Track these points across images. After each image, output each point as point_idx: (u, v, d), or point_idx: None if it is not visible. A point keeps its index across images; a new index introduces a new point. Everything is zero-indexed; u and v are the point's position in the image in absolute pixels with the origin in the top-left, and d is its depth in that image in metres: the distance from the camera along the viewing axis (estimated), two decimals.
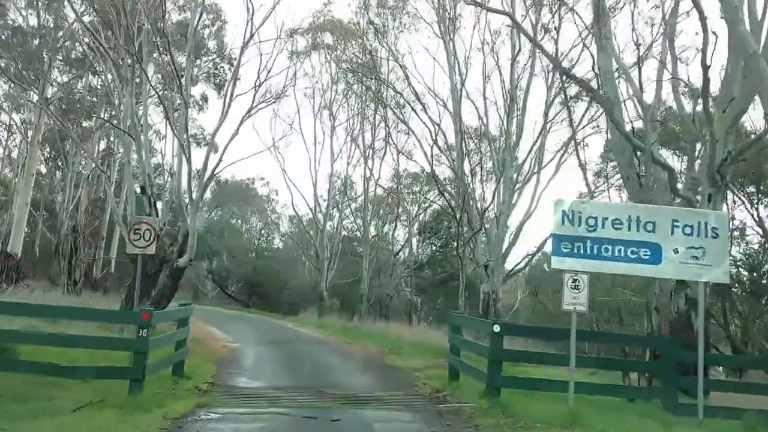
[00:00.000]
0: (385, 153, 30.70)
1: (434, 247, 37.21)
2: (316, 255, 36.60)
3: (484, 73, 22.77)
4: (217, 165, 18.00)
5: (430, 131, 21.86)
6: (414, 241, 35.06)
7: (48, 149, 32.24)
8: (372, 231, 34.18)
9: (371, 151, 31.08)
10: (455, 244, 37.95)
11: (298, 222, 62.61)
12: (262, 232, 55.82)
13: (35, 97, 25.48)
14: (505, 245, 24.12)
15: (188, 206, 17.28)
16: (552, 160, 24.22)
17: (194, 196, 16.92)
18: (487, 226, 24.01)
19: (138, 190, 18.17)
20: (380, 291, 36.95)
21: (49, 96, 26.35)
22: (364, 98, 30.44)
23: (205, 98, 33.93)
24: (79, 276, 26.96)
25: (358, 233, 54.71)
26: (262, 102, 20.26)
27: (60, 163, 31.65)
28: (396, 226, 33.06)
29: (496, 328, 8.19)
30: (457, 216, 23.01)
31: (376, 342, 20.39)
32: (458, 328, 10.46)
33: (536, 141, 22.88)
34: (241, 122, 18.82)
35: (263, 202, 60.00)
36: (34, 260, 36.47)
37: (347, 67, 27.12)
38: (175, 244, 17.86)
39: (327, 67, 34.54)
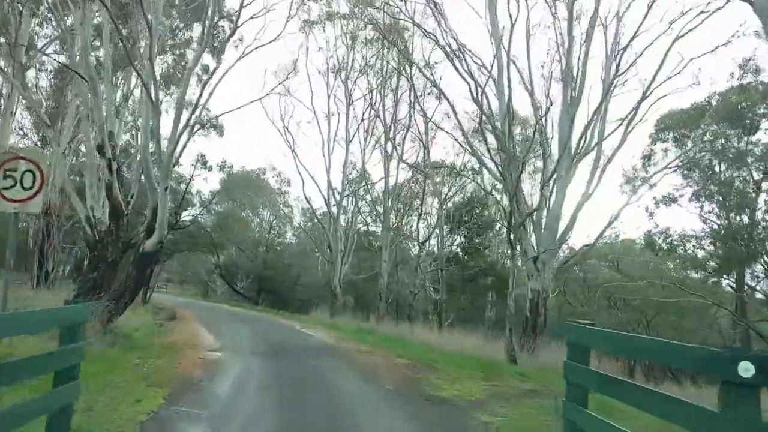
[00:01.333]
0: (409, 125, 25.71)
1: (462, 239, 32.20)
2: (329, 248, 31.82)
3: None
4: (196, 107, 13.31)
5: (470, 86, 16.91)
6: (437, 232, 30.09)
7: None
8: (392, 219, 29.30)
9: (393, 125, 26.19)
10: (488, 234, 33.32)
11: (311, 214, 58.34)
12: (274, 224, 51.08)
13: None
14: (559, 232, 19.19)
15: (157, 170, 12.52)
16: (618, 128, 19.29)
17: (163, 154, 12.13)
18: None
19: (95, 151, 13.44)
20: (399, 288, 32.22)
21: None
22: (385, 62, 25.65)
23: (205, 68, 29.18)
24: (52, 266, 22.36)
25: (374, 227, 50.16)
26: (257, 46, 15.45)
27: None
28: (421, 210, 28.06)
29: (746, 371, 3.33)
30: (500, 197, 18.09)
31: (401, 351, 15.58)
32: (585, 352, 5.47)
33: (602, 102, 17.96)
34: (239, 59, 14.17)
35: (275, 194, 55.46)
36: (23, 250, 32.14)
37: (368, 21, 22.29)
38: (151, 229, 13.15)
39: (343, 39, 29.97)
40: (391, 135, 26.19)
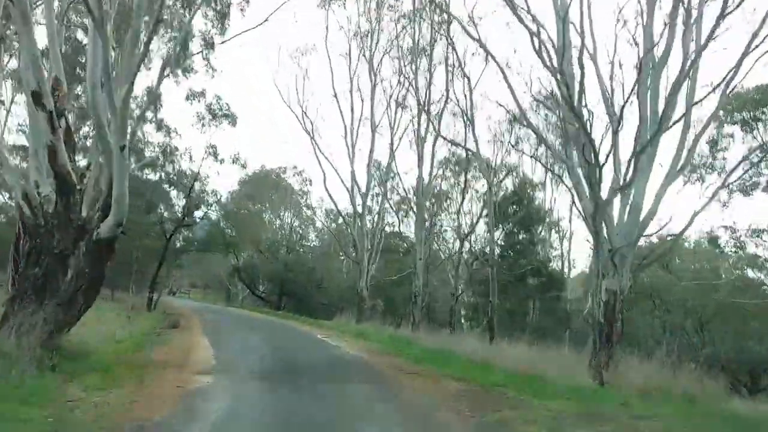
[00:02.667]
0: (447, 97, 21.60)
1: (508, 235, 27.86)
2: (354, 247, 27.94)
3: None
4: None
5: (532, 34, 12.91)
6: (481, 224, 25.93)
7: None
8: (427, 209, 25.28)
9: (427, 94, 22.10)
10: (538, 229, 29.03)
11: (335, 215, 54.66)
12: (295, 225, 47.42)
13: None
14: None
15: (110, 121, 8.69)
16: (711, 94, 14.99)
17: (115, 95, 8.25)
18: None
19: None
20: (432, 291, 28.28)
21: None
22: (417, 28, 21.78)
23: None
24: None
25: (401, 227, 46.17)
26: None
27: None
28: (464, 195, 23.67)
29: None
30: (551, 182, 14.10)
31: (454, 370, 11.63)
32: None
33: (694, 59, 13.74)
34: None
35: (297, 195, 51.89)
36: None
37: None
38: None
39: (367, 16, 26.27)
40: (425, 107, 22.08)
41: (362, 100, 26.40)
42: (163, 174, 34.30)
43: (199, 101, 30.45)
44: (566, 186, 16.50)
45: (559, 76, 14.32)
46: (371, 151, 26.32)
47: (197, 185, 32.80)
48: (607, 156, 14.87)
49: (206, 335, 16.78)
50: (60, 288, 9.16)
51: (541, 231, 27.35)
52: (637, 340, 37.20)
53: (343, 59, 27.12)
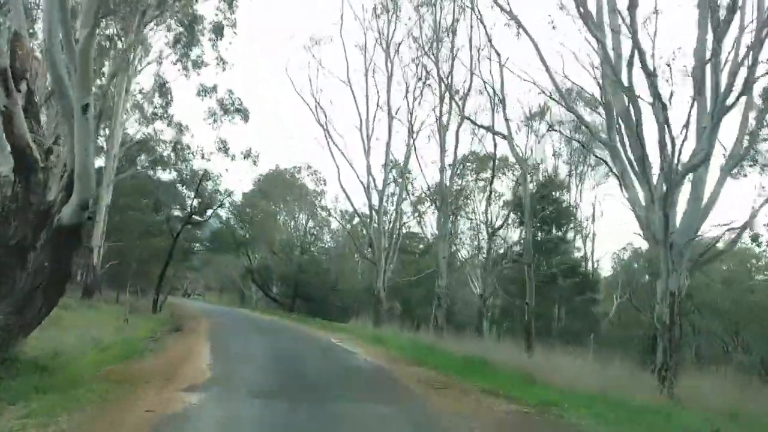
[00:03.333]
0: (471, 83, 19.63)
1: (538, 232, 25.60)
2: (371, 246, 26.03)
3: None
4: None
5: None
6: (513, 217, 23.66)
7: None
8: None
9: (449, 83, 20.10)
10: (568, 226, 26.84)
11: (350, 216, 52.81)
12: (309, 225, 45.63)
13: None
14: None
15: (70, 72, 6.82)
16: None
17: (79, 44, 6.38)
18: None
19: None
20: (452, 292, 26.26)
21: None
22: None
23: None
24: None
25: (417, 228, 44.19)
26: None
27: None
28: (493, 180, 21.18)
29: None
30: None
31: (492, 384, 9.68)
32: None
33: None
34: None
35: (311, 196, 50.11)
36: None
37: None
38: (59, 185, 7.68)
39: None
40: (448, 87, 20.00)
41: (378, 92, 24.60)
42: (174, 172, 32.80)
43: (210, 96, 28.88)
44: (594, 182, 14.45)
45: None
46: (388, 142, 24.42)
47: (209, 185, 31.33)
48: (662, 136, 12.82)
49: (209, 340, 14.96)
50: (15, 286, 7.33)
51: (568, 230, 25.09)
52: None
53: (358, 51, 25.40)
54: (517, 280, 19.26)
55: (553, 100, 14.49)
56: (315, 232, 48.18)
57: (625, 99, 12.85)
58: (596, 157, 13.95)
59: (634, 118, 12.39)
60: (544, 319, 27.59)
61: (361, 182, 24.49)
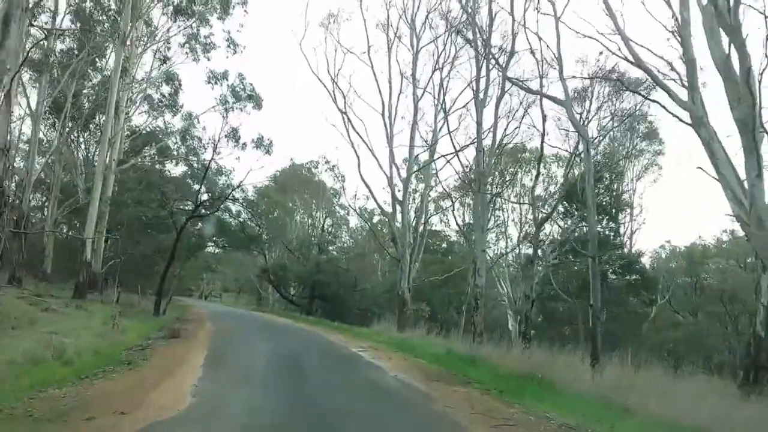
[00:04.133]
0: (513, 45, 16.67)
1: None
2: (393, 241, 23.36)
3: None
4: None
5: None
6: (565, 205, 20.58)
7: None
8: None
9: (489, 36, 17.13)
10: (622, 216, 23.72)
11: (371, 213, 50.22)
12: (327, 223, 43.08)
13: None
14: None
15: None
16: None
17: None
18: None
19: None
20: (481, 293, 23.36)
21: None
22: None
23: None
24: None
25: (441, 225, 41.38)
26: None
27: None
28: (538, 171, 17.90)
29: None
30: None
31: (585, 419, 6.92)
32: None
33: None
34: None
35: (330, 192, 47.63)
36: None
37: None
38: None
39: None
40: (486, 46, 17.02)
41: (401, 73, 21.93)
42: (185, 165, 30.56)
43: (221, 84, 26.47)
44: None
45: None
46: (414, 122, 21.67)
47: (221, 179, 28.98)
48: None
49: (207, 349, 12.42)
50: None
51: (620, 222, 21.87)
52: (706, 348, 31.49)
53: (380, 31, 22.84)
54: (575, 276, 16.37)
55: (621, 57, 11.65)
56: (333, 231, 45.70)
57: (725, 47, 10.04)
58: (683, 122, 11.00)
59: (739, 66, 9.58)
60: (583, 322, 24.66)
61: (384, 171, 21.85)
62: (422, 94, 22.12)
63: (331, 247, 41.85)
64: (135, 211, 22.18)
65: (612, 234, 21.43)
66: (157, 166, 30.31)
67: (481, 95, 16.51)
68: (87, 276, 17.48)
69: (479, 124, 16.13)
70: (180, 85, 27.89)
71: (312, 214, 49.11)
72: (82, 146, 26.88)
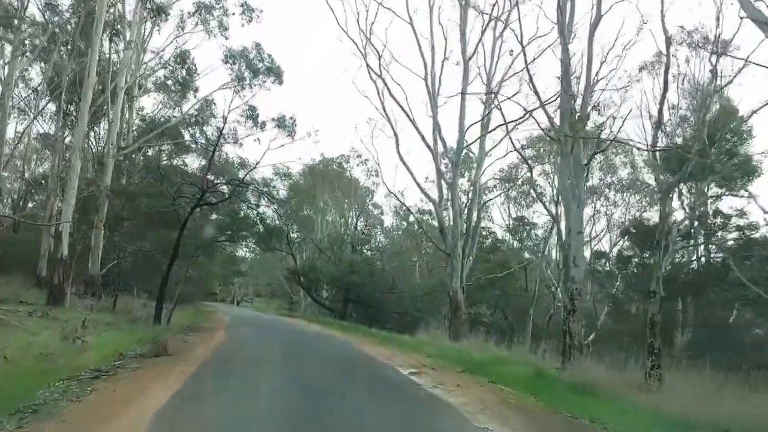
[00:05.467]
0: None
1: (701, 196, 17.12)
2: (442, 232, 18.88)
3: None
4: None
5: None
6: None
7: None
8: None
9: None
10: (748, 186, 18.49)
11: (406, 211, 45.87)
12: (359, 220, 38.86)
13: None
14: None
15: None
16: None
17: None
18: None
19: None
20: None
21: None
22: None
23: None
24: None
25: (487, 221, 36.60)
26: None
27: None
28: (666, 87, 12.92)
29: None
30: None
31: None
32: None
33: None
34: None
35: (362, 190, 43.52)
36: None
37: None
38: None
39: None
40: None
41: (444, 38, 17.51)
42: (199, 155, 26.77)
43: (235, 63, 22.49)
44: None
45: None
46: (463, 93, 17.19)
47: (240, 173, 25.07)
48: None
49: (193, 378, 8.20)
50: None
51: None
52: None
53: None
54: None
55: None
56: (367, 231, 41.44)
57: None
58: None
59: None
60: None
61: (428, 146, 17.42)
62: (473, 53, 17.68)
63: (365, 247, 37.53)
64: (140, 204, 18.35)
65: (739, 213, 16.27)
66: (174, 161, 26.66)
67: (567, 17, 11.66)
68: (62, 276, 13.64)
69: (564, 45, 11.39)
70: (194, 64, 24.16)
71: (344, 213, 45.11)
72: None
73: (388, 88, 18.29)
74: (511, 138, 17.20)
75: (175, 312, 25.09)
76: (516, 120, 15.26)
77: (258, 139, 20.72)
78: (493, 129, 17.45)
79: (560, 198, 12.40)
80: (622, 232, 23.24)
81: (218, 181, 17.59)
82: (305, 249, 41.07)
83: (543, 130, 10.90)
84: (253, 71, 22.05)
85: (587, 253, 22.79)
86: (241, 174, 23.01)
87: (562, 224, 11.74)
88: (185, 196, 16.76)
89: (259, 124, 20.86)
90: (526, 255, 34.66)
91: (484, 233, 39.31)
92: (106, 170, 18.88)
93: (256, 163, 17.75)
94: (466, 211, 18.11)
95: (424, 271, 45.72)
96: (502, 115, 17.19)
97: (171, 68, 24.17)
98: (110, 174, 18.97)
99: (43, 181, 23.97)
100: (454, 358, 12.85)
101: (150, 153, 24.59)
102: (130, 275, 21.63)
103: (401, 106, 17.96)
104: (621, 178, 24.37)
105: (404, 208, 41.79)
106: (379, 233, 45.65)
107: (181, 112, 25.65)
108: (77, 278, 20.15)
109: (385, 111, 18.45)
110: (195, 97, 25.83)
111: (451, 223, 18.31)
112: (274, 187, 18.59)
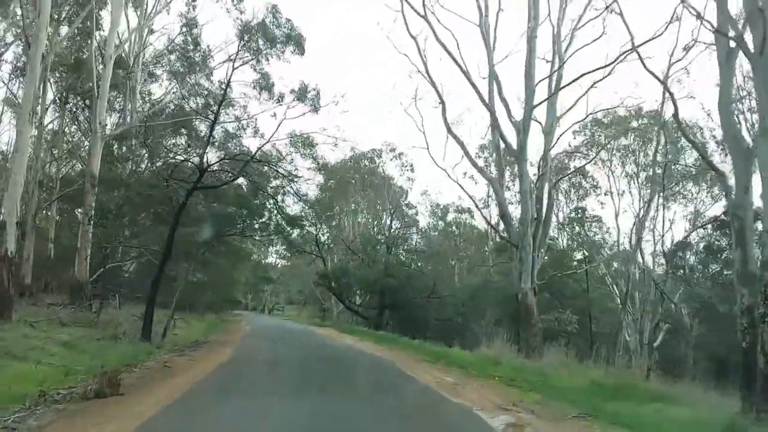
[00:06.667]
0: None
1: None
2: (504, 219, 14.66)
3: None
4: None
5: None
6: None
7: None
8: None
9: None
10: None
11: (443, 210, 41.66)
12: (394, 219, 34.79)
13: None
14: None
15: None
16: None
17: None
18: None
19: None
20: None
21: None
22: None
23: None
24: None
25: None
26: None
27: None
28: None
29: None
30: None
31: None
32: None
33: None
34: None
35: (397, 191, 39.62)
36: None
37: None
38: None
39: None
40: None
41: None
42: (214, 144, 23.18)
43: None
44: None
45: None
46: (533, 28, 12.98)
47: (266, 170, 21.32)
48: None
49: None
50: None
51: None
52: None
53: None
54: None
55: None
56: (402, 231, 37.33)
57: None
58: None
59: None
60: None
61: (486, 104, 13.28)
62: None
63: (401, 248, 33.44)
64: (133, 194, 14.79)
65: None
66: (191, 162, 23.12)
67: None
68: (6, 280, 10.03)
69: None
70: (209, 50, 20.58)
71: (377, 213, 41.24)
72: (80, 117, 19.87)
73: (434, 32, 14.23)
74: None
75: (192, 322, 21.58)
76: (612, 62, 11.10)
77: (274, 114, 16.77)
78: (577, 78, 13.15)
79: (728, 145, 8.05)
80: None
81: (221, 158, 13.80)
82: (335, 252, 37.33)
83: (711, 27, 6.72)
84: (269, 40, 18.28)
85: None
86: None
87: (731, 182, 7.41)
88: (182, 180, 13.02)
89: (276, 97, 17.04)
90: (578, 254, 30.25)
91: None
92: (93, 154, 15.40)
93: (272, 135, 13.85)
94: (534, 189, 13.88)
95: (464, 274, 41.50)
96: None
97: (181, 47, 20.68)
98: (97, 159, 15.46)
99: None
100: (536, 386, 8.71)
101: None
102: (135, 281, 18.11)
103: (451, 55, 13.83)
104: None
105: (439, 207, 37.80)
106: (414, 234, 41.55)
107: (195, 101, 22.18)
108: (63, 285, 16.76)
109: (428, 72, 14.45)
110: (209, 80, 22.42)
111: (514, 207, 14.13)
112: (292, 161, 14.42)
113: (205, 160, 12.79)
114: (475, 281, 33.81)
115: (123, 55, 19.04)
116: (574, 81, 13.27)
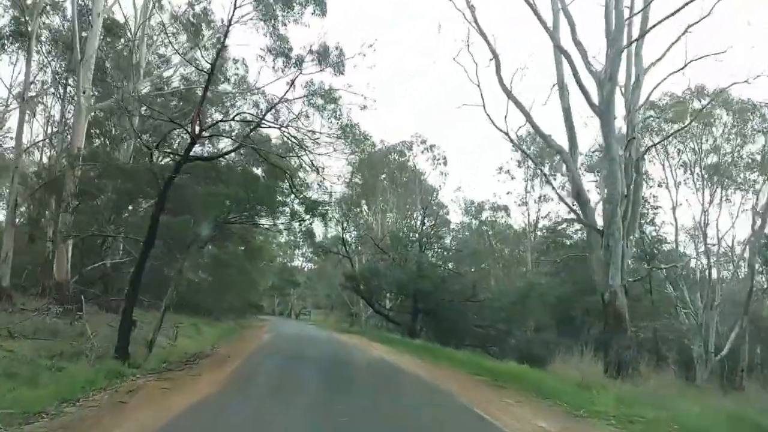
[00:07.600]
0: None
1: None
2: (577, 196, 11.25)
3: None
4: None
5: None
6: None
7: None
8: None
9: None
10: None
11: (477, 208, 38.17)
12: (427, 216, 31.37)
13: None
14: None
15: None
16: None
17: None
18: None
19: None
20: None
21: None
22: None
23: None
24: None
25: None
26: None
27: None
28: None
29: None
30: None
31: None
32: None
33: None
34: None
35: (428, 188, 36.38)
36: None
37: None
38: None
39: None
40: None
41: None
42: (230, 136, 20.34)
43: None
44: None
45: None
46: None
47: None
48: None
49: None
50: None
51: None
52: None
53: None
54: None
55: None
56: (436, 229, 33.95)
57: None
58: None
59: None
60: None
61: (558, 47, 9.95)
62: None
63: (435, 247, 30.09)
64: (114, 171, 11.96)
65: None
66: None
67: None
68: None
69: None
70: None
71: (407, 211, 38.00)
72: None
73: None
74: None
75: (204, 328, 18.68)
76: None
77: (291, 82, 13.58)
78: (679, 10, 9.66)
79: None
80: None
81: (219, 118, 10.79)
82: (363, 252, 34.20)
83: None
84: (286, 2, 15.27)
85: None
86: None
87: None
88: (174, 152, 10.06)
89: (293, 61, 13.92)
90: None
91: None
92: (76, 129, 12.63)
93: (282, 96, 10.72)
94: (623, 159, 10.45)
95: (499, 275, 37.94)
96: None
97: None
98: (82, 135, 12.69)
99: None
100: None
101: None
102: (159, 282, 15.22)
103: None
104: None
105: (473, 205, 34.31)
106: (446, 234, 38.10)
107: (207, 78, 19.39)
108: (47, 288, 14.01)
109: (478, 26, 11.19)
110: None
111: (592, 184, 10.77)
112: (308, 117, 11.28)
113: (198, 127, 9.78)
114: (517, 284, 30.42)
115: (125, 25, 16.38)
116: (674, 13, 9.71)
